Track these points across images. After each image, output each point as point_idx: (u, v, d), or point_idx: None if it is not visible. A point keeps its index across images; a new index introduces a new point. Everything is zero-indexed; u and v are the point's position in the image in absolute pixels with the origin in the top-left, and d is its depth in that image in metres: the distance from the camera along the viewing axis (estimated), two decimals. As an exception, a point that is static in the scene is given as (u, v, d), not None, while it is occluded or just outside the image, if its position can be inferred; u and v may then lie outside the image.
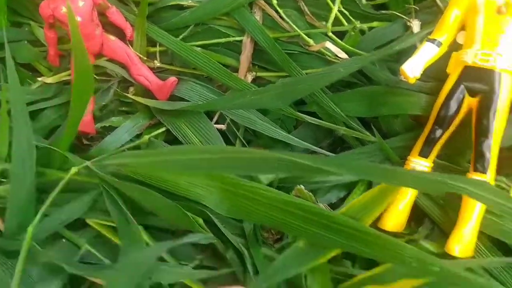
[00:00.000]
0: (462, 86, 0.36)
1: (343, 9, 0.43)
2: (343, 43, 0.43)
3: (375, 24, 0.44)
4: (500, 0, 0.35)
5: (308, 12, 0.45)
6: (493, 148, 0.35)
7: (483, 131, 0.35)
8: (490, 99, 0.35)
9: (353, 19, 0.43)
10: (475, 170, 0.35)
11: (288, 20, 0.45)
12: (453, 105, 0.36)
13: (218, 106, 0.44)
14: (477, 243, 0.36)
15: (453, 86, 0.36)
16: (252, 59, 0.47)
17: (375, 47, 0.44)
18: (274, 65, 0.46)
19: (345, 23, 0.45)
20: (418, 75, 0.37)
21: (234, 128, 0.45)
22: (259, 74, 0.46)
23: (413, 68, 0.37)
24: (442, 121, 0.36)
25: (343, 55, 0.43)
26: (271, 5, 0.46)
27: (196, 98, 0.45)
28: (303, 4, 0.47)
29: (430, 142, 0.37)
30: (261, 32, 0.46)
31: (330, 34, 0.43)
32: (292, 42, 0.47)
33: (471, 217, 0.35)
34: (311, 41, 0.45)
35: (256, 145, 0.47)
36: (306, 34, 0.45)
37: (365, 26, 0.45)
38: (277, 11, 0.46)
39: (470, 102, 0.36)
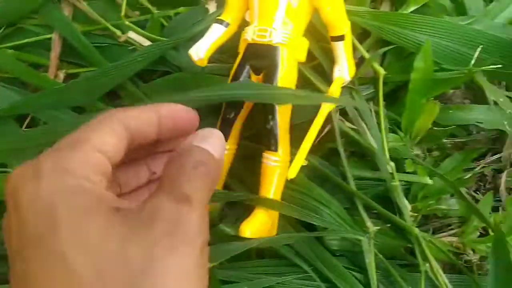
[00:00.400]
0: (247, 65, 0.35)
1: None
2: (144, 32, 0.42)
3: (181, 9, 0.43)
4: None
5: (123, 6, 0.44)
6: (280, 124, 0.35)
7: (269, 109, 0.35)
8: (272, 76, 0.35)
9: (150, 6, 0.42)
10: (268, 149, 0.35)
11: (93, 11, 0.44)
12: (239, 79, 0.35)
13: (22, 109, 0.42)
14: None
15: (238, 65, 0.36)
16: (66, 56, 0.46)
17: (187, 36, 0.43)
18: (86, 60, 0.45)
19: (154, 11, 0.44)
20: (202, 57, 0.37)
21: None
22: (71, 71, 0.45)
23: (197, 51, 0.36)
24: (233, 102, 0.36)
25: (147, 43, 0.42)
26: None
27: (6, 103, 0.43)
28: (113, -6, 0.45)
29: (226, 125, 0.36)
30: (68, 27, 0.44)
31: (127, 23, 0.41)
32: (105, 35, 0.45)
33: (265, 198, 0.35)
34: (118, 32, 0.43)
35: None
36: (116, 26, 0.44)
37: (171, 12, 0.43)
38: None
39: (257, 80, 0.36)
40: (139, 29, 0.42)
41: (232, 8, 0.37)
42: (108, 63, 0.43)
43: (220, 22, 0.37)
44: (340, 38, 0.36)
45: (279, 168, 0.35)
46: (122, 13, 0.41)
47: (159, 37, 0.42)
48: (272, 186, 0.35)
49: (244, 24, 0.37)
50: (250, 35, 0.35)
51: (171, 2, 0.43)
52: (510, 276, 0.36)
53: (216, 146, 0.25)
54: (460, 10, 0.44)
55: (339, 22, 0.36)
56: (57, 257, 0.20)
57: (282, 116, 0.35)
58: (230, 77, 0.36)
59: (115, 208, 0.22)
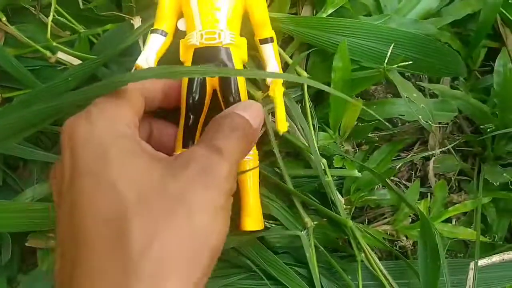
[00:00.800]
0: None
1: (65, 15, 0.43)
2: (72, 51, 0.42)
3: (108, 26, 0.44)
4: None
5: (48, 28, 0.44)
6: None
7: (232, 103, 0.34)
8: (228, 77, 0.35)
9: (76, 25, 0.43)
10: None
11: (21, 35, 0.44)
12: (197, 90, 0.35)
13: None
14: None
15: None
16: (1, 81, 0.46)
17: (115, 52, 0.44)
18: (20, 83, 0.45)
19: (81, 30, 0.44)
20: (153, 65, 0.37)
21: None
22: (6, 95, 0.45)
23: (147, 60, 0.37)
24: (193, 108, 0.36)
25: (77, 62, 0.43)
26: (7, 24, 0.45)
27: None
28: (43, 16, 0.46)
29: (189, 132, 0.36)
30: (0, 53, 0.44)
31: (55, 44, 0.42)
32: (37, 57, 0.46)
33: (249, 193, 0.36)
34: (47, 53, 0.44)
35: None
36: (46, 47, 0.44)
37: (99, 30, 0.44)
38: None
39: (213, 82, 0.36)
40: (67, 49, 0.43)
41: (163, 17, 0.37)
42: (41, 84, 0.43)
43: (156, 31, 0.37)
44: (270, 40, 0.37)
45: (253, 161, 0.36)
46: (48, 35, 0.42)
47: (88, 55, 0.43)
48: (251, 180, 0.36)
49: (177, 33, 0.38)
50: (197, 39, 0.35)
51: (98, 21, 0.44)
52: (437, 258, 0.38)
53: (254, 116, 0.30)
54: (379, 8, 0.46)
55: (269, 24, 0.37)
56: (107, 185, 0.24)
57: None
58: (185, 84, 0.36)
59: (154, 154, 0.27)
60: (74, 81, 0.42)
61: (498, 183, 0.44)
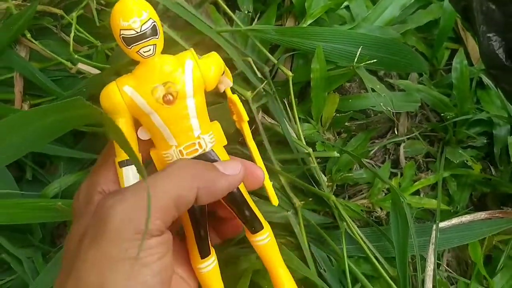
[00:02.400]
0: None
1: (84, 32, 0.50)
2: (91, 62, 0.50)
3: (121, 40, 0.52)
4: (160, 92, 0.29)
5: (70, 42, 0.52)
6: (251, 203, 0.34)
7: (240, 202, 0.33)
8: None
9: (94, 41, 0.51)
10: (255, 232, 0.34)
11: (46, 49, 0.52)
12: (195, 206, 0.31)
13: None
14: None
15: None
16: (28, 90, 0.53)
17: (125, 62, 0.51)
18: (45, 92, 0.53)
19: (99, 44, 0.52)
20: None
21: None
22: (33, 101, 0.52)
23: None
24: (198, 220, 0.32)
25: (95, 71, 0.50)
26: (32, 41, 0.52)
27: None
28: (63, 34, 0.54)
29: (202, 242, 0.33)
30: (25, 66, 0.52)
31: (76, 56, 0.50)
32: (60, 69, 0.53)
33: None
34: (69, 65, 0.51)
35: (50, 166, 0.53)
36: (67, 60, 0.52)
37: (113, 44, 0.52)
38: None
39: None
40: (87, 60, 0.50)
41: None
42: (63, 92, 0.50)
43: (123, 163, 0.30)
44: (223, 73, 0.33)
45: (272, 236, 0.34)
46: (71, 48, 0.49)
47: (105, 65, 0.51)
48: (279, 256, 0.35)
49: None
50: (178, 155, 0.31)
51: (112, 36, 0.51)
52: (406, 223, 0.45)
53: (227, 166, 0.31)
54: (352, 18, 0.55)
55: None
56: None
57: (245, 192, 0.33)
58: None
59: None
60: (89, 89, 0.49)
61: (458, 161, 0.51)
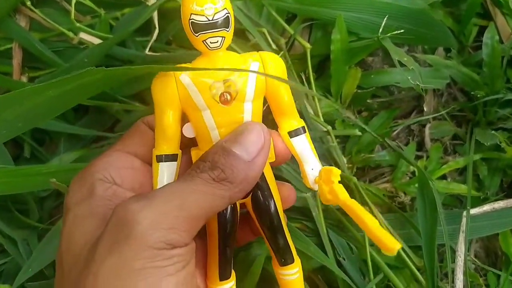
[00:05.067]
0: None
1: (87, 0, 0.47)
2: (93, 31, 0.46)
3: (126, 10, 0.48)
4: (218, 89, 0.27)
5: (72, 9, 0.48)
6: (286, 231, 0.30)
7: (277, 228, 0.30)
8: (264, 195, 0.29)
9: (97, 9, 0.47)
10: (285, 264, 0.31)
11: (46, 18, 0.48)
12: (228, 218, 0.29)
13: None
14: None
15: None
16: (27, 62, 0.50)
17: (130, 30, 0.48)
18: (45, 64, 0.49)
19: (102, 13, 0.49)
20: None
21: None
22: (32, 74, 0.49)
23: None
24: (227, 238, 0.29)
25: (98, 41, 0.47)
26: (33, 9, 0.49)
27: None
28: (65, 2, 0.50)
29: (225, 263, 0.30)
30: (25, 37, 0.48)
31: (78, 25, 0.46)
32: (61, 40, 0.50)
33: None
34: (70, 34, 0.48)
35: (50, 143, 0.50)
36: (69, 30, 0.48)
37: (118, 13, 0.48)
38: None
39: (241, 201, 0.30)
40: (89, 29, 0.47)
41: (168, 137, 0.28)
42: (64, 64, 0.47)
43: (162, 158, 0.29)
44: (302, 130, 0.29)
45: (301, 273, 0.31)
46: (72, 16, 0.45)
47: (108, 35, 0.47)
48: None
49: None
50: None
51: (117, 5, 0.48)
52: (434, 208, 0.41)
53: (250, 143, 0.27)
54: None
55: (295, 113, 0.30)
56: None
57: (283, 217, 0.30)
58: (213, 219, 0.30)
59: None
60: (96, 57, 0.45)
61: (488, 144, 0.47)
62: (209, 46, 0.26)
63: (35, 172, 0.41)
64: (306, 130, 0.30)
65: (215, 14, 0.25)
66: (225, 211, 0.29)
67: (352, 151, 0.46)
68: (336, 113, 0.46)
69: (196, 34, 0.26)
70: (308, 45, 0.45)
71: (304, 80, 0.46)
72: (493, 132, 0.48)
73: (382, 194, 0.45)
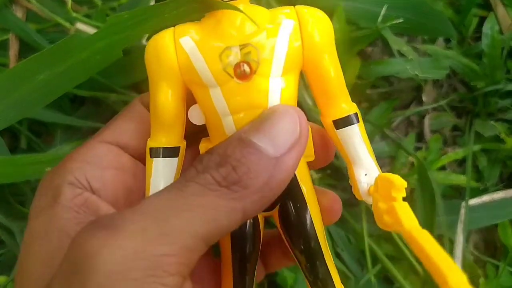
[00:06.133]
0: None
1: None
2: (90, 21, 0.46)
3: (123, 0, 0.48)
4: (233, 58, 0.19)
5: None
6: (328, 257, 0.22)
7: (315, 254, 0.22)
8: (298, 207, 0.22)
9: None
10: None
11: (44, 8, 0.48)
12: (248, 234, 0.22)
13: None
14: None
15: None
16: (24, 53, 0.49)
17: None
18: (42, 55, 0.49)
19: (99, 2, 0.48)
20: None
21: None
22: (29, 66, 0.49)
23: None
24: (244, 263, 0.22)
25: (93, 31, 0.46)
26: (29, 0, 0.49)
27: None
28: (62, -7, 0.50)
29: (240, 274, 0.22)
30: (22, 27, 0.48)
31: (74, 14, 0.46)
32: (58, 31, 0.50)
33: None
34: (67, 25, 0.47)
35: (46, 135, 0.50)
36: (66, 20, 0.48)
37: (115, 3, 0.48)
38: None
39: (265, 214, 0.23)
40: (86, 19, 0.46)
41: (167, 124, 0.21)
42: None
43: (158, 153, 0.21)
44: (355, 118, 0.22)
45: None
46: (69, 5, 0.45)
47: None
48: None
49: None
50: None
51: (114, -7, 0.48)
52: (433, 199, 0.41)
53: (280, 135, 0.19)
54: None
55: (345, 94, 0.23)
56: None
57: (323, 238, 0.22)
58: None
59: None
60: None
61: (488, 135, 0.47)
62: None
63: (32, 161, 0.40)
64: (360, 119, 0.22)
65: None
66: (240, 231, 0.21)
67: (351, 142, 0.46)
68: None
69: None
70: (306, 35, 0.45)
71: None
72: (492, 123, 0.48)
73: (381, 185, 0.45)
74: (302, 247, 0.22)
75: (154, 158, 0.21)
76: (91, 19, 0.47)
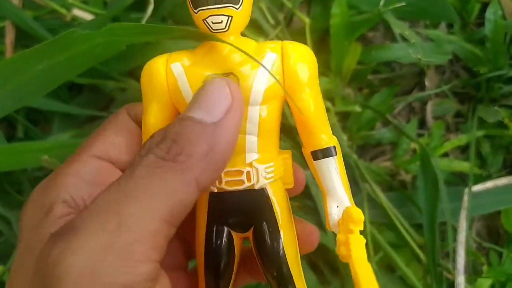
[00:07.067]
0: (224, 227, 0.23)
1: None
2: (86, 7, 0.45)
3: (120, -15, 0.47)
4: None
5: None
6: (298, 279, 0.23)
7: (279, 277, 0.22)
8: (271, 231, 0.23)
9: (91, -15, 0.46)
10: None
11: (41, -4, 0.47)
12: (222, 249, 0.23)
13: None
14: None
15: (208, 228, 0.23)
16: (20, 41, 0.49)
17: (124, 6, 0.46)
18: (39, 42, 0.48)
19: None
20: None
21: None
22: (25, 53, 0.48)
23: None
24: (218, 279, 0.23)
25: (91, 17, 0.46)
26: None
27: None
28: (58, -21, 0.49)
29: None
30: (18, 15, 0.47)
31: (71, 1, 0.45)
32: (55, 18, 0.49)
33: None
34: (63, 11, 0.47)
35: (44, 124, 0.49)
36: (62, 6, 0.47)
37: (112, -12, 0.47)
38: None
39: (242, 235, 0.24)
40: (82, 5, 0.45)
41: None
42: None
43: None
44: (333, 151, 0.22)
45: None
46: (66, -9, 0.44)
47: (101, 11, 0.46)
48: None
49: None
50: (215, 183, 0.22)
51: (111, -20, 0.47)
52: (436, 185, 0.40)
53: (211, 105, 0.20)
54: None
55: (325, 126, 0.23)
56: None
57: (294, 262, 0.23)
58: (201, 241, 0.23)
59: None
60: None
61: (491, 121, 0.46)
62: (211, 28, 0.21)
63: (28, 149, 0.40)
64: (339, 151, 0.22)
65: None
66: (215, 238, 0.22)
67: (352, 129, 0.45)
68: (336, 90, 0.45)
69: (195, 10, 0.21)
70: (307, 20, 0.44)
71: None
72: (496, 108, 0.47)
73: (383, 172, 0.45)
74: (274, 273, 0.22)
75: None
76: (88, 5, 0.47)
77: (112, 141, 0.23)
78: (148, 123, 0.23)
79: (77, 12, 0.46)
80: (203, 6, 0.20)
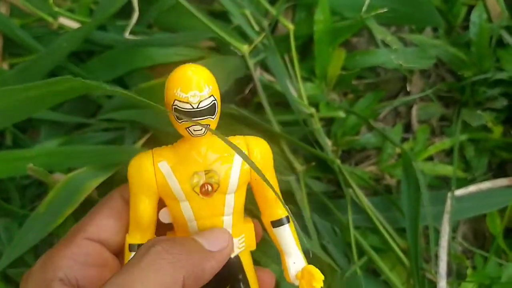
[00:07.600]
0: None
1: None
2: (72, 15, 0.46)
3: (105, -7, 0.47)
4: (200, 180, 0.26)
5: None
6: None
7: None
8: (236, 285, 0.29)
9: (75, -8, 0.46)
10: None
11: (27, 3, 0.48)
12: None
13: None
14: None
15: None
16: (8, 49, 0.49)
17: (109, 13, 0.47)
18: (26, 50, 0.48)
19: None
20: None
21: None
22: (13, 61, 0.48)
23: None
24: None
25: (77, 26, 0.46)
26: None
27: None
28: (45, -12, 0.49)
29: None
30: (5, 23, 0.48)
31: (57, 9, 0.45)
32: (42, 26, 0.49)
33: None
34: (50, 19, 0.47)
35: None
36: (49, 15, 0.47)
37: (97, -4, 0.47)
38: None
39: None
40: (68, 13, 0.46)
41: (141, 227, 0.28)
42: (43, 49, 0.46)
43: (134, 249, 0.28)
44: (286, 220, 0.29)
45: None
46: (51, 0, 0.45)
47: (87, 20, 0.46)
48: None
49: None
50: None
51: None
52: (418, 189, 0.41)
53: (212, 239, 0.26)
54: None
55: (280, 201, 0.27)
56: None
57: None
58: None
59: None
60: (74, 43, 0.44)
61: (476, 125, 0.46)
62: (192, 134, 0.25)
63: (16, 157, 0.40)
64: (291, 220, 0.28)
65: (200, 101, 0.24)
66: None
67: (337, 134, 0.45)
68: (321, 95, 0.46)
69: (180, 121, 0.25)
70: (291, 26, 0.44)
71: (287, 62, 0.45)
72: (479, 112, 0.48)
73: (368, 177, 0.45)
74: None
75: (131, 252, 0.27)
76: (74, 13, 0.47)
77: (104, 224, 0.28)
78: (139, 211, 0.27)
79: (63, 21, 0.46)
80: (187, 119, 0.25)
